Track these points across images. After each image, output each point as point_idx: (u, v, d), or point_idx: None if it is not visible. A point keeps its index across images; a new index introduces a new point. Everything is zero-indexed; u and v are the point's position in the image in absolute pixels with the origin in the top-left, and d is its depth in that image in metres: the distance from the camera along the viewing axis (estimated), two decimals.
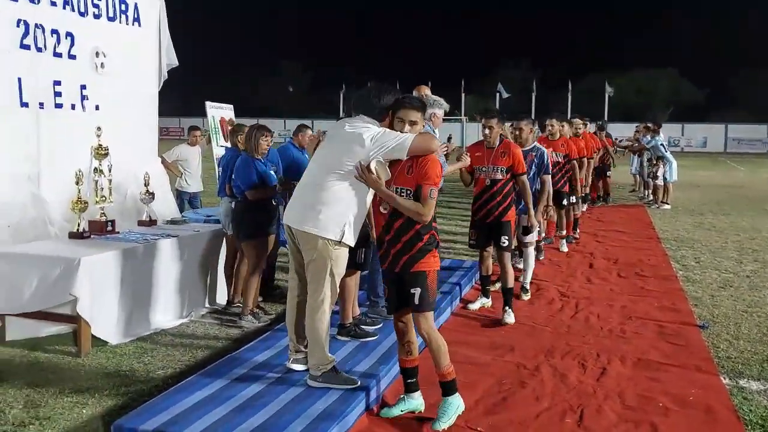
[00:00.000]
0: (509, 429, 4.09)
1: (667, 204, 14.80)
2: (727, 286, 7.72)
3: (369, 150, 4.02)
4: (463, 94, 48.31)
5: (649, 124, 15.99)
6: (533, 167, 7.04)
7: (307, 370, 4.42)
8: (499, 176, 6.19)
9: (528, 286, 7.14)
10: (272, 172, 6.19)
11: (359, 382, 4.33)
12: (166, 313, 6.09)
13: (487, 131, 6.22)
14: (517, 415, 4.25)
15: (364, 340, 5.19)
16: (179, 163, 9.98)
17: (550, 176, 7.27)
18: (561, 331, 6.02)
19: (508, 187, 6.23)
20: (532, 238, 6.97)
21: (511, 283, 6.29)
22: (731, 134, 43.80)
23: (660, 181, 14.93)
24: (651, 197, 15.59)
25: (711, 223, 12.68)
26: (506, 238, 6.20)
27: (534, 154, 7.11)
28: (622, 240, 10.64)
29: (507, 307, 6.20)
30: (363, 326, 5.36)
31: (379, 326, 5.48)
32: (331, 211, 4.13)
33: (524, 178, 6.36)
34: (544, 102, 43.86)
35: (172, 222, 7.01)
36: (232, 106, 11.51)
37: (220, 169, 7.18)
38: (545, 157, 7.21)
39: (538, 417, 4.26)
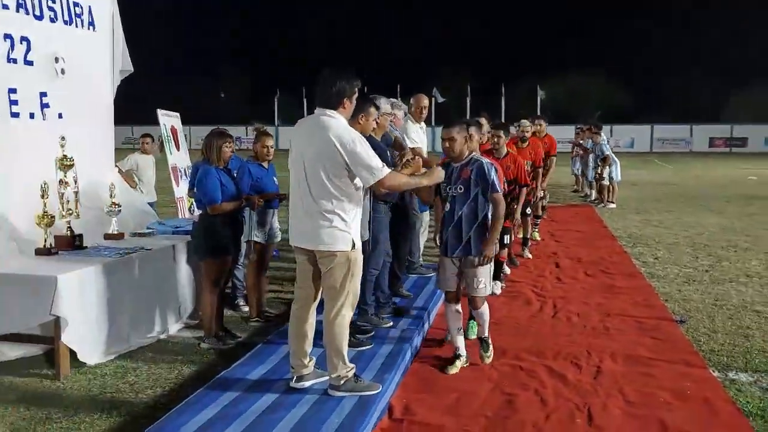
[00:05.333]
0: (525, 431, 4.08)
1: (613, 203, 15.20)
2: (690, 281, 7.95)
3: (341, 153, 4.03)
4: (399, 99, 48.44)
5: (592, 127, 16.39)
6: (475, 187, 5.08)
7: (309, 385, 4.38)
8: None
9: (489, 340, 5.36)
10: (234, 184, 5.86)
11: (381, 387, 4.30)
12: (141, 329, 5.82)
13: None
14: (529, 418, 4.24)
15: (359, 348, 5.08)
16: (133, 173, 9.63)
17: (501, 194, 5.16)
18: (545, 332, 6.06)
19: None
20: (485, 291, 5.18)
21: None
22: (657, 134, 45.46)
23: (606, 181, 15.34)
24: (596, 197, 16.01)
25: (658, 220, 13.08)
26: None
27: (470, 169, 5.10)
28: (580, 239, 10.84)
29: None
30: (357, 335, 5.24)
31: (371, 334, 5.39)
32: (338, 223, 4.09)
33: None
34: (479, 106, 44.47)
35: (140, 234, 6.72)
36: (178, 114, 11.15)
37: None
38: (487, 169, 5.08)
39: (549, 418, 4.25)
